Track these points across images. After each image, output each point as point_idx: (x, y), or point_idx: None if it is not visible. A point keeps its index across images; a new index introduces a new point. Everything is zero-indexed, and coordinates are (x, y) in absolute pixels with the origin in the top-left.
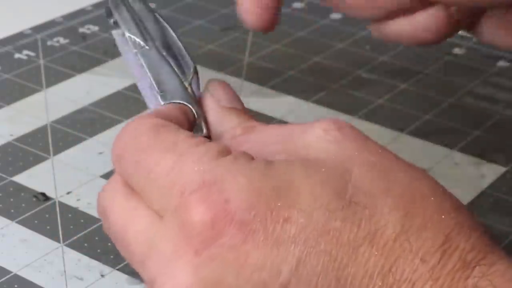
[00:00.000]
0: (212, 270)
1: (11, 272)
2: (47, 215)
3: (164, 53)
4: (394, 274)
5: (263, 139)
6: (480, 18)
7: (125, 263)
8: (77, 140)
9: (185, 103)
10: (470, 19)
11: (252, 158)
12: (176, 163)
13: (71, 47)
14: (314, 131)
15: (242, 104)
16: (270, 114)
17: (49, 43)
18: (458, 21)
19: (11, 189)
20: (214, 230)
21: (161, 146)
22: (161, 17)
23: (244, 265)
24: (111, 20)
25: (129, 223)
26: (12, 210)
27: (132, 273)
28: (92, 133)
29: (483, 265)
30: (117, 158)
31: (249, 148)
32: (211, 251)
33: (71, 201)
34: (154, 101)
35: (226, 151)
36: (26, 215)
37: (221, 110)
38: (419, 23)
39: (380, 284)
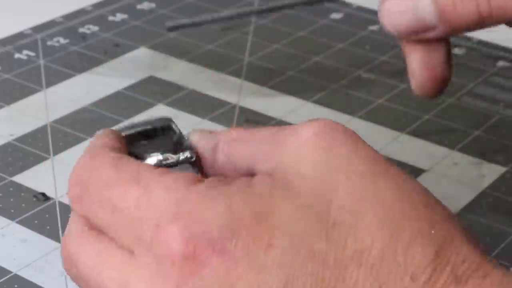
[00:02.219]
0: None
1: (11, 272)
2: (47, 215)
3: None
4: None
5: (254, 138)
6: None
7: None
8: (77, 140)
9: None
10: None
11: (228, 183)
12: (143, 195)
13: (71, 47)
14: (304, 135)
15: None
16: (270, 114)
17: (49, 43)
18: None
19: (11, 189)
20: (195, 262)
21: (124, 180)
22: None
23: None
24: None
25: (102, 266)
26: (12, 210)
27: None
28: (92, 133)
29: (476, 278)
30: (77, 199)
31: (240, 154)
32: (194, 285)
33: None
34: None
35: (195, 179)
36: (26, 215)
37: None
38: None
39: None
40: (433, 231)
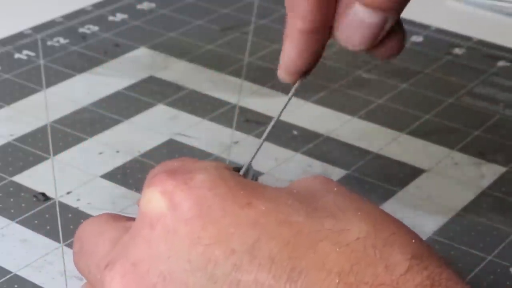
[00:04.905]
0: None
1: (11, 272)
2: (47, 215)
3: None
4: (355, 274)
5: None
6: None
7: None
8: (77, 140)
9: None
10: None
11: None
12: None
13: (71, 47)
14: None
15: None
16: (270, 114)
17: (49, 43)
18: None
19: (11, 189)
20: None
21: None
22: None
23: (197, 239)
24: None
25: None
26: (12, 210)
27: None
28: (92, 133)
29: None
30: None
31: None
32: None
33: (71, 201)
34: None
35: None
36: (26, 215)
37: None
38: None
39: (337, 281)
40: (413, 241)
